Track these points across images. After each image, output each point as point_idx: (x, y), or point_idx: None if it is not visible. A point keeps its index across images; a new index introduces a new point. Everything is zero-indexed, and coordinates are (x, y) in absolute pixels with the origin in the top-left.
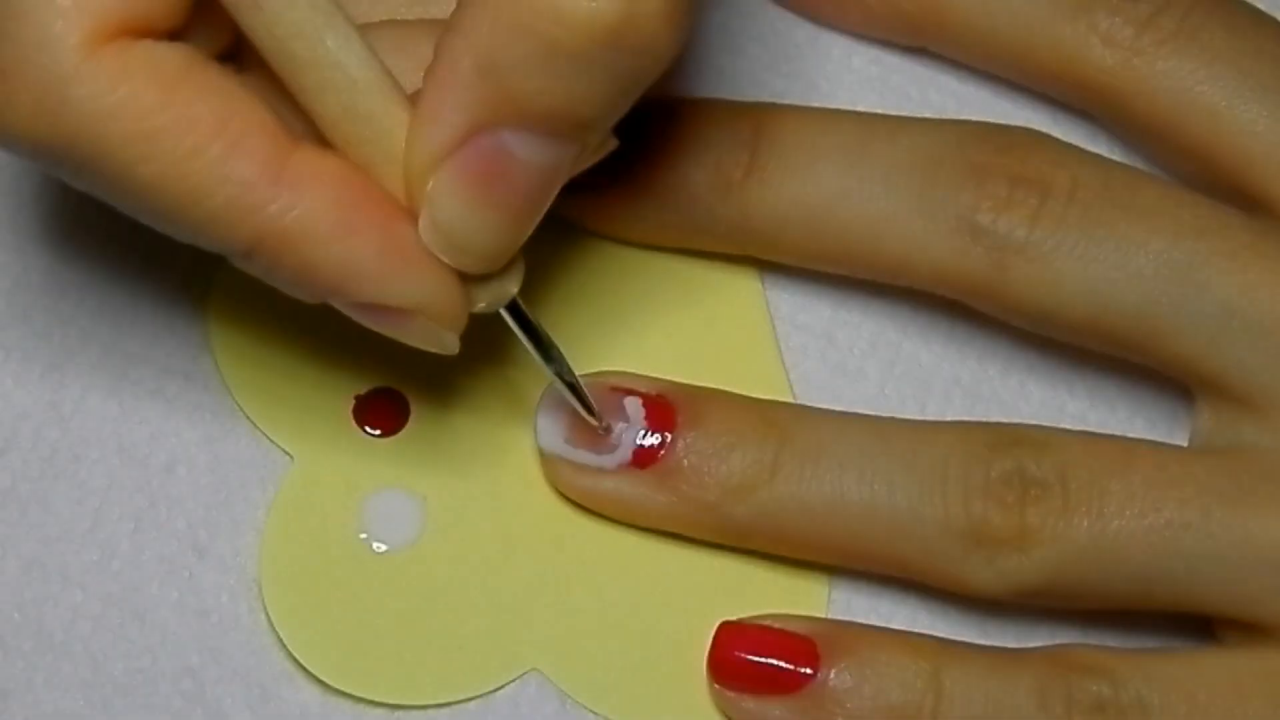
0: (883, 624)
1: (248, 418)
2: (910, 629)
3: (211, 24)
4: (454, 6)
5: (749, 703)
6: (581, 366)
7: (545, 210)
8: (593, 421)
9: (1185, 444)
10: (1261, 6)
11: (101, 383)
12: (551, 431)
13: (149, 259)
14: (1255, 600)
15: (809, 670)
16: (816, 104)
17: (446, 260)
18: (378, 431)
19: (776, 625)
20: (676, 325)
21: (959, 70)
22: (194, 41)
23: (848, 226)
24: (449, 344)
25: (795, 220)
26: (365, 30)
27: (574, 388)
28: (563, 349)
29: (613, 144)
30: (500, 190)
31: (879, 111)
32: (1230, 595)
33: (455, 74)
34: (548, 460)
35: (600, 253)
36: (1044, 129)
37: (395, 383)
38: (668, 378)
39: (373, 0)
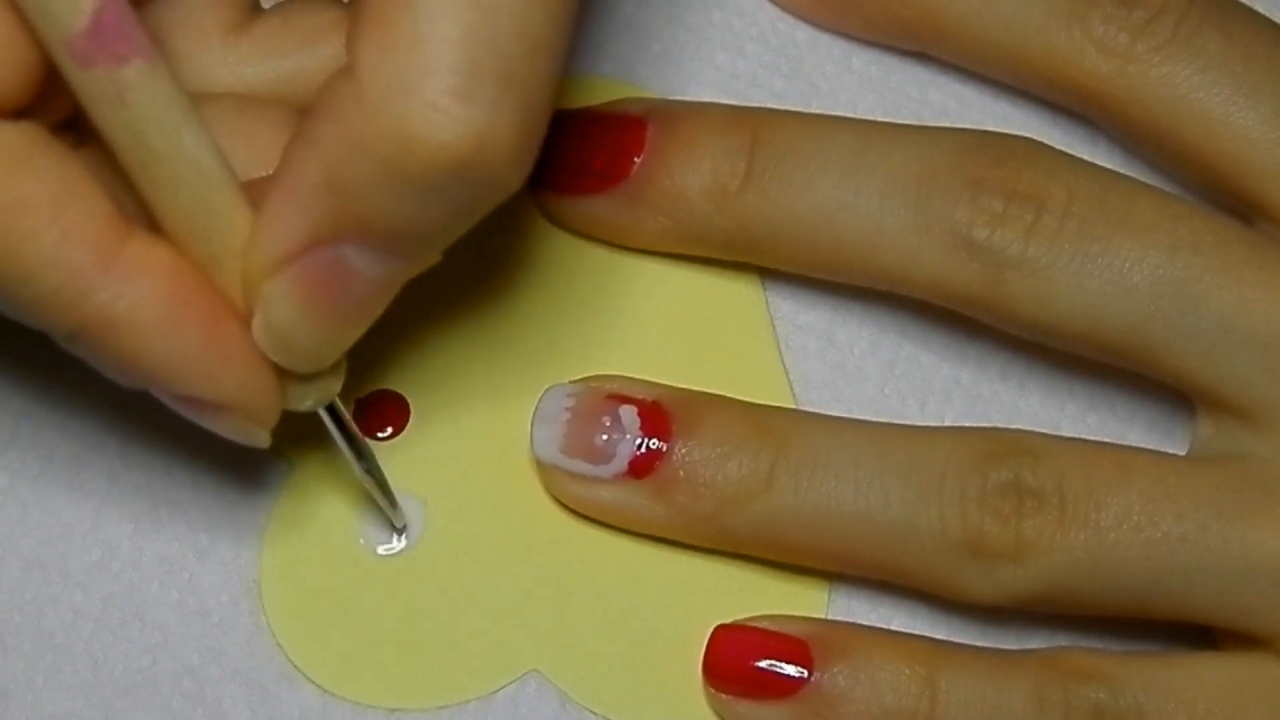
0: (882, 625)
1: None
2: (910, 630)
3: (54, 96)
4: (301, 65)
5: (744, 706)
6: (583, 367)
7: (375, 319)
8: (393, 518)
9: (1185, 445)
10: (1260, 9)
11: (101, 384)
12: (547, 441)
13: None
14: (1253, 612)
15: (803, 674)
16: (816, 105)
17: (276, 360)
18: (378, 434)
19: (771, 628)
20: (677, 325)
21: (959, 71)
22: (35, 113)
23: (843, 239)
24: (259, 439)
25: (791, 232)
26: (207, 100)
27: (382, 487)
28: (565, 349)
29: (434, 258)
30: (336, 299)
31: (879, 111)
32: (1227, 607)
33: (301, 183)
34: (545, 469)
35: (600, 253)
36: (1045, 130)
37: (395, 384)
38: (668, 377)
39: (223, 52)
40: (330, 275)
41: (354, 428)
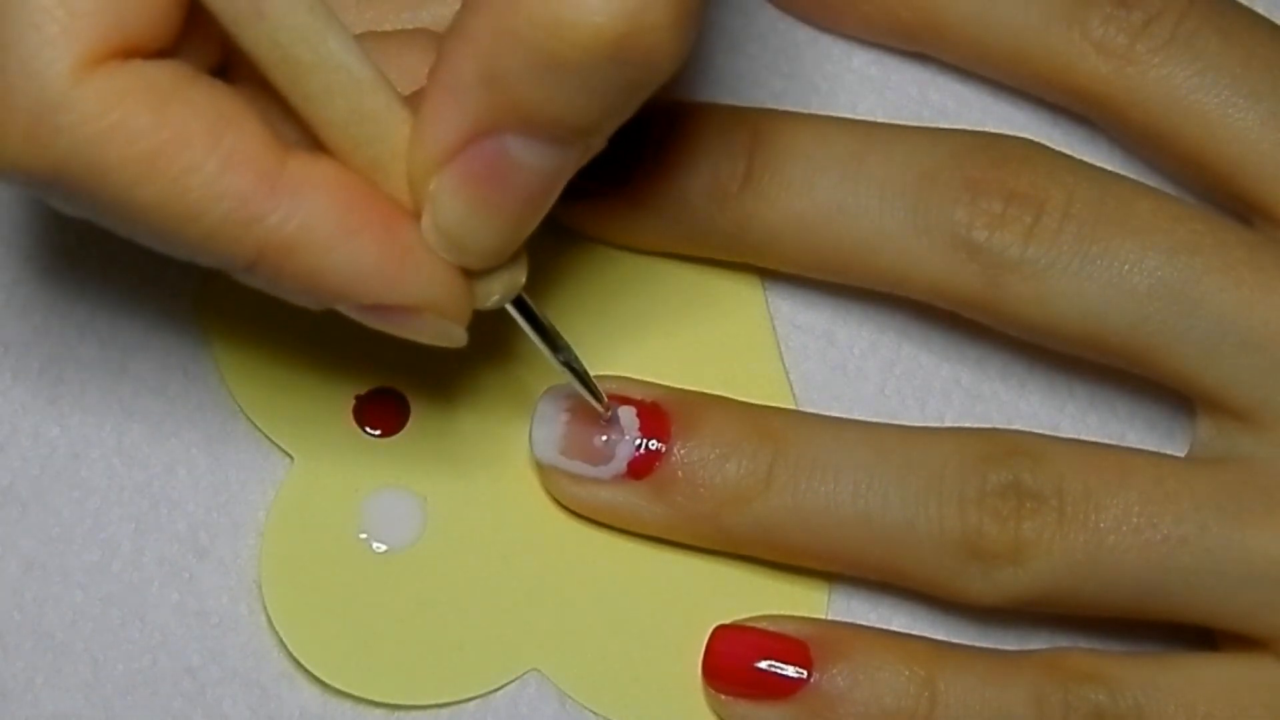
0: (882, 625)
1: (248, 418)
2: (910, 630)
3: (201, 40)
4: (439, 14)
5: (743, 707)
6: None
7: (547, 210)
8: (600, 409)
9: (1185, 446)
10: (1260, 9)
11: (101, 381)
12: (547, 442)
13: (149, 256)
14: (1251, 614)
15: (802, 674)
16: (816, 105)
17: (449, 259)
18: (378, 431)
19: (770, 628)
20: (677, 325)
21: (959, 71)
22: (184, 58)
23: (843, 241)
24: (457, 337)
25: (791, 233)
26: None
27: (582, 377)
28: None
29: (601, 145)
30: (502, 193)
31: (879, 112)
32: (1226, 609)
33: (458, 78)
34: (544, 470)
35: (601, 253)
36: (1044, 131)
37: (395, 383)
38: (668, 378)
39: (359, 10)
40: (494, 167)
41: (546, 319)
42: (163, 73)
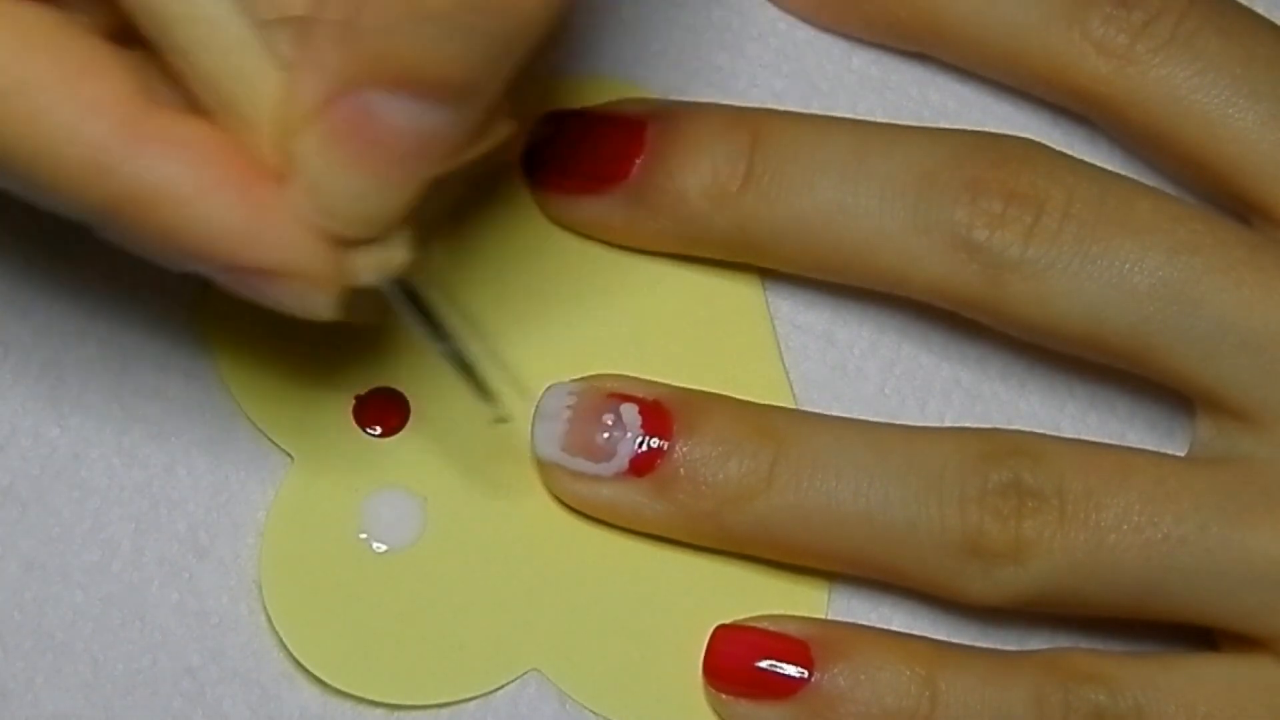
0: (883, 625)
1: (248, 418)
2: (910, 630)
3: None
4: None
5: (744, 706)
6: (584, 366)
7: (425, 179)
8: (491, 408)
9: (1185, 445)
10: (1260, 9)
11: (101, 381)
12: (548, 439)
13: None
14: (1251, 615)
15: (803, 674)
16: (816, 105)
17: (319, 223)
18: (378, 431)
19: (771, 628)
20: (677, 325)
21: (959, 71)
22: (72, 11)
23: (843, 241)
24: (323, 307)
25: (791, 233)
26: None
27: (468, 371)
28: (565, 348)
29: (507, 128)
30: (369, 153)
31: (879, 112)
32: (1227, 609)
33: (320, 32)
34: (545, 467)
35: (601, 253)
36: (1045, 131)
37: (395, 383)
38: (668, 377)
39: None
40: (359, 125)
41: (431, 305)
42: (31, 15)
